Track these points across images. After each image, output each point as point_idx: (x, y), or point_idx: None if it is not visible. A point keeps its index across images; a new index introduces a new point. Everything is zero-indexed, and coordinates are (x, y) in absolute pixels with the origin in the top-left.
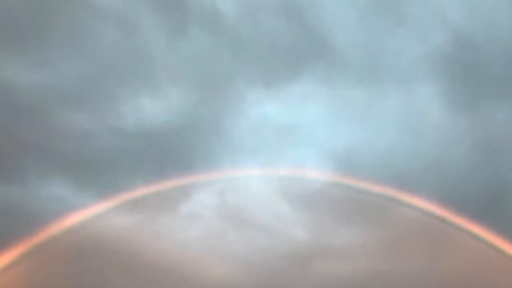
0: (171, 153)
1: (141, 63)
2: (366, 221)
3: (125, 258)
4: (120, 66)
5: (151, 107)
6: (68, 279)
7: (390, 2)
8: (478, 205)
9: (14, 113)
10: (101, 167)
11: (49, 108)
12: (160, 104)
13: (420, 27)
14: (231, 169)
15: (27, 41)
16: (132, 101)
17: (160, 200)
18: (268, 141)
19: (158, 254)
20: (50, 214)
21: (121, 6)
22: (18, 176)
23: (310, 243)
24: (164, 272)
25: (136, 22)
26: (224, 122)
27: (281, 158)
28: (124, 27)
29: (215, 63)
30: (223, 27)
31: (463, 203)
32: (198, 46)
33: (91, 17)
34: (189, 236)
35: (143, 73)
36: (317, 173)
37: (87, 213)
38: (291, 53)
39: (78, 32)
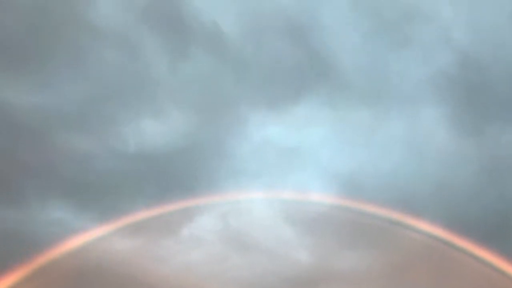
0: (173, 175)
1: (142, 85)
2: (370, 245)
3: (126, 282)
4: (122, 88)
5: (153, 130)
6: None
7: (394, 24)
8: (484, 228)
9: (14, 135)
10: (102, 190)
11: (50, 130)
12: (162, 126)
13: (424, 48)
14: (233, 192)
15: (28, 63)
16: (133, 123)
17: (161, 224)
18: (271, 164)
19: (159, 278)
20: (51, 237)
21: (122, 28)
22: (18, 199)
23: (314, 267)
24: None
25: (137, 44)
26: (226, 145)
27: (284, 181)
28: (126, 48)
29: (218, 85)
30: (226, 49)
31: (468, 226)
32: (201, 68)
33: (92, 39)
34: (191, 260)
35: (144, 95)
36: (320, 197)
37: (88, 237)
38: (294, 75)
39: (80, 54)
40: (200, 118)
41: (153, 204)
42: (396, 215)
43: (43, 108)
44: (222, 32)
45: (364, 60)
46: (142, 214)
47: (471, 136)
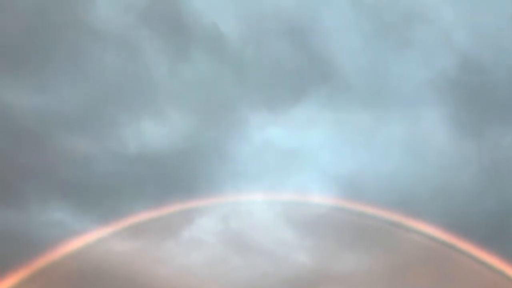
0: (173, 177)
1: (143, 87)
2: (370, 247)
3: (126, 284)
4: (122, 91)
5: (153, 132)
6: None
7: (395, 26)
8: (484, 231)
9: (14, 138)
10: (102, 191)
11: (50, 133)
12: (162, 128)
13: (425, 51)
14: (234, 194)
15: (28, 65)
16: (133, 125)
17: (162, 225)
18: (271, 166)
19: (159, 280)
20: (51, 239)
21: (122, 30)
22: (18, 201)
23: (314, 268)
24: None
25: (137, 46)
26: (227, 147)
27: (285, 183)
28: (126, 51)
29: (218, 87)
30: (226, 51)
31: (468, 229)
32: (201, 70)
33: (92, 41)
34: (191, 262)
35: (145, 98)
36: (321, 198)
37: (88, 238)
38: (295, 77)
39: (79, 57)
40: (200, 120)
41: (153, 206)
42: (396, 217)
43: (43, 110)
44: (222, 34)
45: (364, 62)
46: (142, 216)
47: (471, 138)
